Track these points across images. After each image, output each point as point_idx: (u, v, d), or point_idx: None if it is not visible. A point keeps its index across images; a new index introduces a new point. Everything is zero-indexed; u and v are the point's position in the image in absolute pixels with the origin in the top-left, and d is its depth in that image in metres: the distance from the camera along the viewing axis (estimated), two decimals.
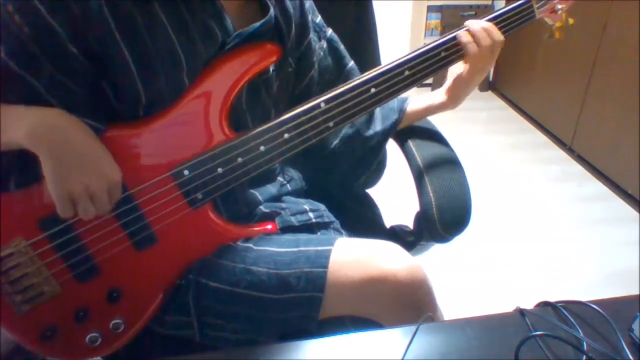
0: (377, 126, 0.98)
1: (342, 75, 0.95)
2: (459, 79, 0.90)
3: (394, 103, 0.98)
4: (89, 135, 0.69)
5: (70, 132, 0.67)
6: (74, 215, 0.69)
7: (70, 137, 0.67)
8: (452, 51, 0.84)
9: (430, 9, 3.29)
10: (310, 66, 0.91)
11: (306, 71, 0.91)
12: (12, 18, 0.64)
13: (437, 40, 0.83)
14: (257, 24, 0.77)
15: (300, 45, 0.88)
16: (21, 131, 0.64)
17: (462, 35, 0.83)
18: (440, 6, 3.28)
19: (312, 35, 0.90)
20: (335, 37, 0.95)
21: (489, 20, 0.85)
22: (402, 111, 0.98)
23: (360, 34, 1.11)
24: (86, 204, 0.67)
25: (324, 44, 0.93)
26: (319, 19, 0.92)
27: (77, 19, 0.65)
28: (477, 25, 0.83)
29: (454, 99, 0.94)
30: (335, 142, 0.97)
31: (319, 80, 0.93)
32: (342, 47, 0.96)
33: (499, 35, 0.84)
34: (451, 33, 0.84)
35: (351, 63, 0.97)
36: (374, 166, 1.01)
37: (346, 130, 0.96)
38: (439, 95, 0.95)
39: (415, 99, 0.99)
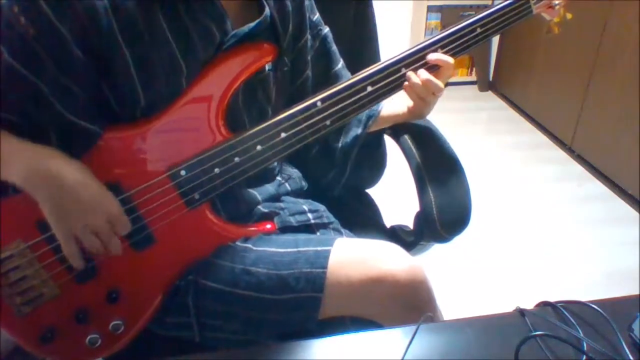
0: (341, 140, 0.99)
1: (329, 78, 0.95)
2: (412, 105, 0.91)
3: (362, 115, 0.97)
4: (85, 176, 0.69)
5: (65, 174, 0.67)
6: (82, 254, 0.69)
7: (65, 179, 0.67)
8: (447, 49, 0.84)
9: (430, 9, 3.28)
10: (305, 65, 0.91)
11: (301, 70, 0.91)
12: (17, 19, 0.63)
13: (433, 37, 0.83)
14: (253, 24, 0.77)
15: (297, 44, 0.88)
16: (17, 175, 0.65)
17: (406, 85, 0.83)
18: (440, 6, 3.28)
19: (308, 34, 0.90)
20: (330, 37, 0.95)
21: (486, 16, 0.84)
22: (366, 126, 0.98)
23: (360, 34, 1.11)
24: (91, 241, 0.68)
25: (317, 44, 0.92)
26: (316, 16, 0.92)
27: (83, 22, 0.65)
28: (416, 79, 0.82)
29: (415, 115, 0.96)
30: (315, 150, 0.99)
31: (312, 80, 0.93)
32: (333, 48, 0.95)
33: (437, 88, 0.83)
34: (449, 29, 0.83)
35: (337, 66, 0.96)
36: (345, 176, 1.02)
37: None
38: (402, 107, 0.96)
39: (385, 107, 1.00)
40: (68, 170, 0.67)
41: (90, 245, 0.69)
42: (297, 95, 0.88)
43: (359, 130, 0.98)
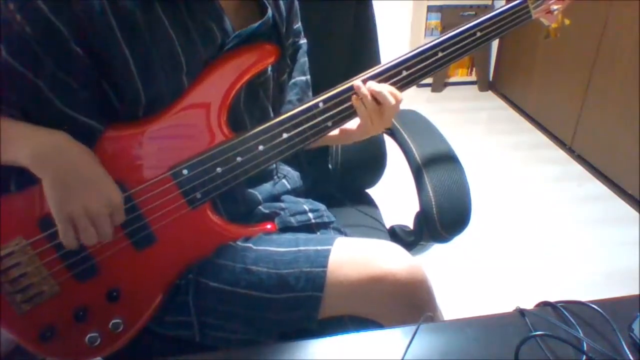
0: None
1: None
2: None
3: None
4: (91, 159, 0.69)
5: (74, 155, 0.67)
6: (76, 240, 0.68)
7: (74, 159, 0.67)
8: (447, 52, 0.83)
9: (430, 9, 3.29)
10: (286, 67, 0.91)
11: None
12: (14, 17, 0.63)
13: (434, 40, 0.83)
14: (256, 24, 0.77)
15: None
16: (25, 152, 0.65)
17: (353, 98, 0.79)
18: (440, 6, 3.29)
19: (292, 39, 0.90)
20: (304, 49, 0.94)
21: (485, 20, 0.84)
22: None
23: (360, 34, 1.11)
24: (87, 227, 0.68)
25: (291, 51, 0.92)
26: (297, 25, 0.92)
27: (80, 18, 0.65)
28: (365, 90, 0.77)
29: (361, 135, 0.87)
30: None
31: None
32: (301, 61, 0.94)
33: (390, 101, 0.77)
34: (449, 32, 0.83)
35: (293, 80, 0.94)
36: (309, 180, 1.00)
37: None
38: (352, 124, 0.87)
39: None
40: (75, 150, 0.68)
41: (85, 233, 0.68)
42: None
43: None
